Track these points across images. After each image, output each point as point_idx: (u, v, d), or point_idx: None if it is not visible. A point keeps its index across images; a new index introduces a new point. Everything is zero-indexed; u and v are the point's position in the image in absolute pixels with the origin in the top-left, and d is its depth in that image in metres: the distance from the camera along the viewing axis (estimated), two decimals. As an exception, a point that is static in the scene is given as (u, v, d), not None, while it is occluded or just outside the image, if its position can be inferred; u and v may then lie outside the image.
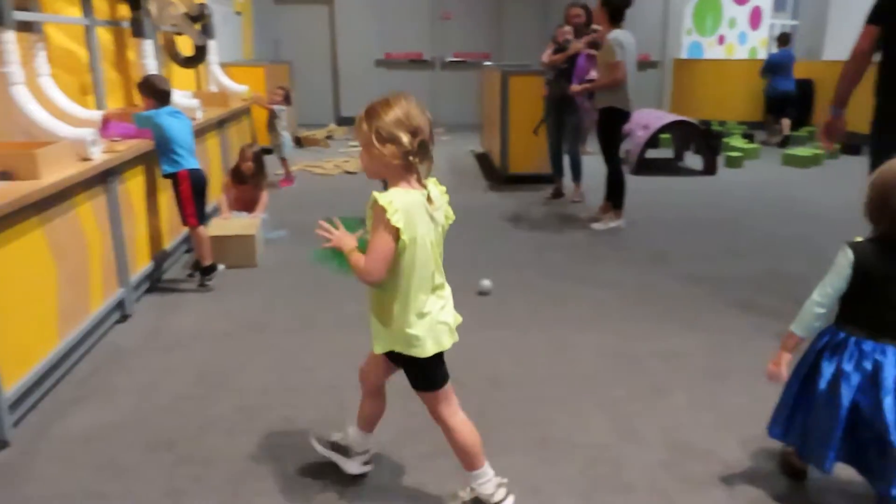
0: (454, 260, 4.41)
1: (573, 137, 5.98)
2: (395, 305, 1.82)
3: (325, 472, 2.19)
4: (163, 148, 3.66)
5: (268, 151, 7.38)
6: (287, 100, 6.71)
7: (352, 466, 2.16)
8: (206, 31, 5.74)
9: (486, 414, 2.54)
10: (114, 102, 4.54)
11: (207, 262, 3.85)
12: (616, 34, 4.89)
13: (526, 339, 3.23)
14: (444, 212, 1.87)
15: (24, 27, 3.20)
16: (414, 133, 1.73)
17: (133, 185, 3.58)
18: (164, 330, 3.31)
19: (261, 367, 2.92)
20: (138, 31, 4.58)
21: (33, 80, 3.33)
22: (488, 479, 1.97)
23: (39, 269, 2.62)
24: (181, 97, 4.79)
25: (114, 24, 4.65)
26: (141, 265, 3.66)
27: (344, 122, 11.26)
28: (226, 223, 4.41)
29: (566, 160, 6.11)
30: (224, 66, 6.72)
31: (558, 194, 6.22)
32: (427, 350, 1.84)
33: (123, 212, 3.37)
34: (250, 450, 2.31)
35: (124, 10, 4.80)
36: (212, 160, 5.25)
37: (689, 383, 2.80)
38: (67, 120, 3.29)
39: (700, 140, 7.72)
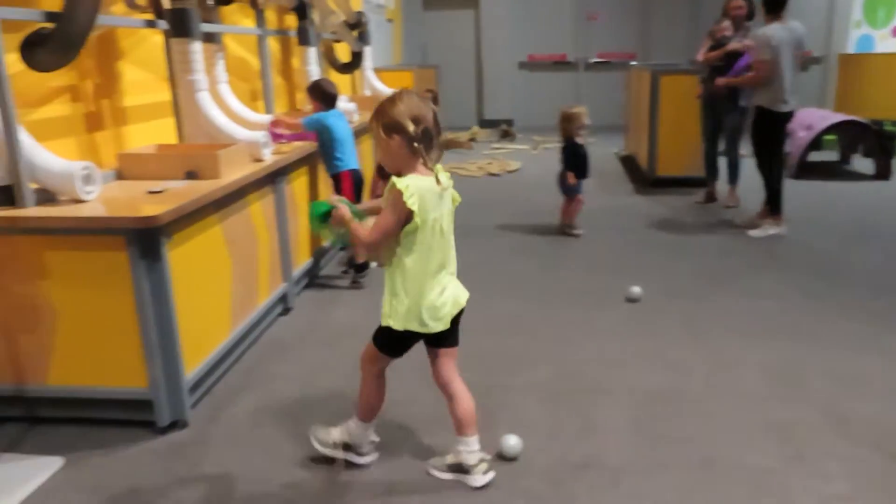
0: (600, 265, 4.36)
1: (732, 138, 5.66)
2: (413, 285, 1.97)
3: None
4: (328, 149, 3.85)
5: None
6: (435, 102, 6.84)
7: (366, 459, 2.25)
8: (363, 38, 5.99)
9: (641, 428, 2.44)
10: (280, 107, 4.84)
11: (361, 260, 4.00)
12: (767, 29, 4.60)
13: (680, 350, 3.08)
14: (450, 194, 2.04)
15: (208, 38, 3.47)
16: (416, 121, 1.88)
17: (297, 185, 3.79)
18: (322, 324, 3.48)
19: (409, 367, 2.98)
20: (304, 39, 4.85)
21: (213, 86, 3.61)
22: (361, 433, 2.20)
23: (218, 263, 2.83)
24: (340, 101, 5.01)
25: (282, 33, 4.96)
26: (302, 261, 3.87)
27: (487, 124, 11.35)
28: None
29: (722, 163, 5.80)
30: (376, 70, 6.97)
31: (711, 198, 5.91)
32: (425, 327, 2.01)
33: (289, 210, 3.58)
34: (398, 446, 2.36)
35: (291, 21, 5.11)
36: (366, 161, 5.46)
37: (869, 409, 2.55)
38: (242, 123, 3.54)
39: (871, 141, 7.05)
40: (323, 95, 3.88)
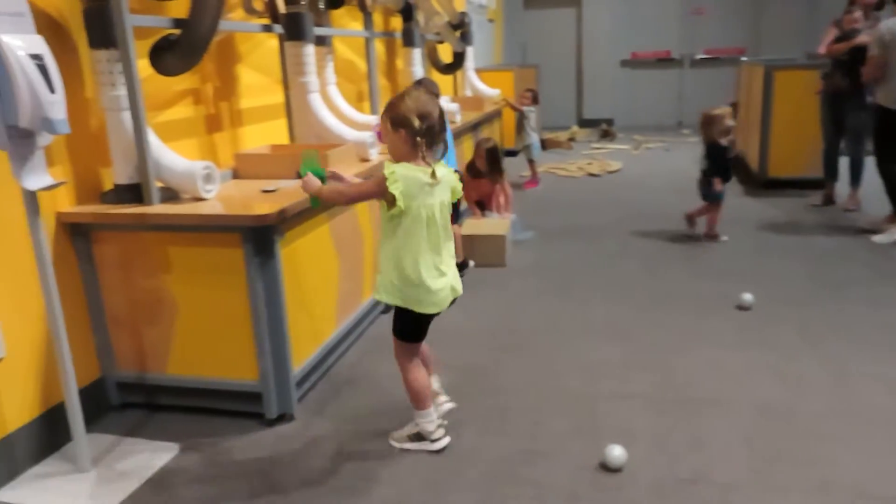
0: (708, 269, 4.18)
1: (856, 137, 5.29)
2: (389, 262, 2.12)
3: (580, 481, 2.14)
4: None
5: (512, 154, 7.57)
6: (535, 100, 6.76)
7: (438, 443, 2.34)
8: (465, 39, 6.01)
9: (755, 445, 2.31)
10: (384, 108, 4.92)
11: (459, 259, 4.00)
12: (885, 23, 4.30)
13: (798, 363, 2.90)
14: (450, 189, 2.15)
15: (319, 41, 3.57)
16: (422, 118, 2.01)
17: (399, 185, 3.83)
18: (422, 322, 3.51)
19: (512, 368, 2.96)
20: (409, 40, 4.92)
21: (323, 88, 3.71)
22: (431, 420, 2.31)
23: (326, 260, 2.90)
24: (442, 102, 5.05)
25: (388, 35, 5.04)
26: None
27: (586, 124, 11.15)
28: (478, 223, 4.57)
29: (843, 163, 5.43)
30: (478, 71, 6.98)
31: (829, 201, 5.55)
32: (412, 307, 2.14)
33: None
34: (501, 451, 2.33)
35: (396, 23, 5.19)
36: (467, 161, 5.47)
37: None
38: (349, 124, 3.62)
39: None
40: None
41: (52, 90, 1.86)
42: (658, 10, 11.12)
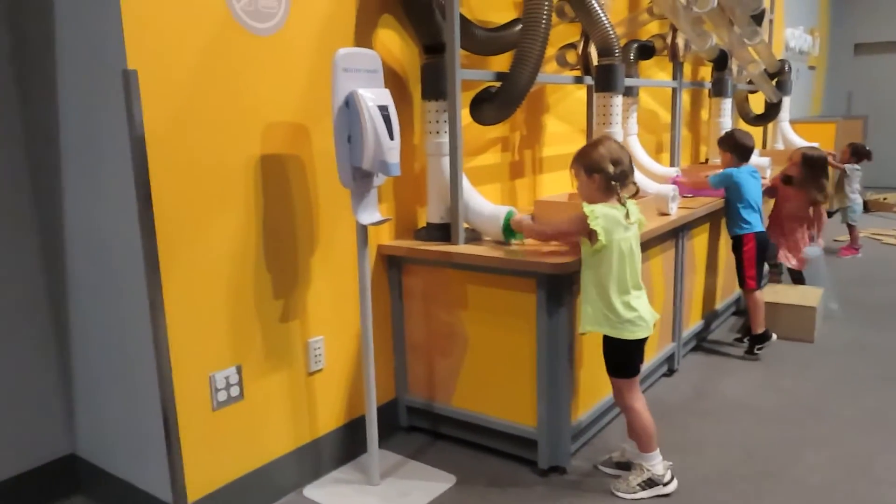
0: None
1: None
2: (596, 294, 2.26)
3: None
4: (734, 208, 3.60)
5: (828, 214, 6.73)
6: (862, 157, 5.95)
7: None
8: (782, 88, 5.53)
9: None
10: (684, 160, 4.72)
11: (760, 330, 3.63)
12: None
13: None
14: (638, 223, 2.31)
15: (626, 92, 3.55)
16: (615, 164, 2.22)
17: (698, 242, 3.61)
18: (709, 392, 3.23)
19: (819, 462, 2.57)
20: (719, 90, 4.66)
21: (625, 138, 3.66)
22: (659, 461, 2.37)
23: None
24: (753, 157, 4.68)
25: (697, 85, 4.85)
26: (693, 322, 3.67)
27: (924, 185, 9.53)
28: (783, 290, 4.11)
29: None
30: (792, 122, 6.37)
31: None
32: (623, 335, 2.26)
33: (687, 267, 3.43)
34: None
35: (704, 71, 4.97)
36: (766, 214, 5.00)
37: None
38: (647, 175, 3.52)
39: None
40: (736, 147, 3.64)
41: (391, 137, 2.08)
42: None
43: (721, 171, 3.64)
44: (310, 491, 2.44)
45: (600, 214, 2.19)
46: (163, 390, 2.01)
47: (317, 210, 2.40)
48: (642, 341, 2.32)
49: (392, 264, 2.70)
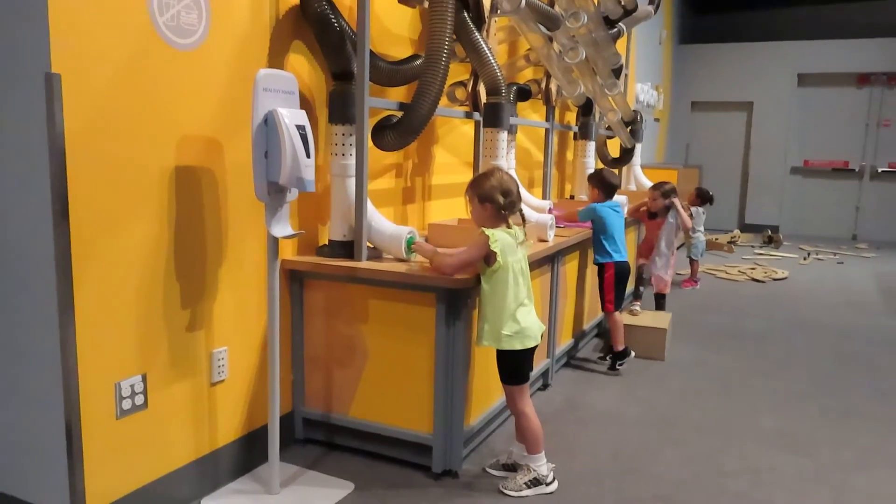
0: (892, 387, 3.86)
1: None
2: (493, 311, 2.49)
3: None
4: (598, 239, 4.01)
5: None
6: (710, 201, 6.78)
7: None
8: (635, 135, 6.17)
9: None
10: (552, 195, 5.14)
11: (620, 348, 4.04)
12: None
13: None
14: (525, 246, 2.57)
15: (510, 129, 3.87)
16: (505, 195, 2.47)
17: (569, 268, 3.98)
18: (580, 403, 3.55)
19: (675, 460, 2.93)
20: (585, 133, 5.16)
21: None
22: (544, 463, 2.62)
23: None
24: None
25: (566, 127, 5.32)
26: (564, 340, 4.01)
27: (749, 229, 10.82)
28: (638, 315, 4.57)
29: None
30: (642, 167, 7.08)
31: None
32: (515, 346, 2.50)
33: (560, 290, 3.76)
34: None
35: (570, 116, 5.47)
36: (630, 250, 5.52)
37: None
38: (527, 206, 3.84)
39: None
40: (603, 184, 4.06)
41: (308, 155, 2.20)
42: (837, 119, 10.76)
43: (588, 205, 4.05)
44: (208, 502, 2.44)
45: (499, 238, 2.44)
46: (67, 398, 1.98)
47: (226, 222, 2.46)
48: (531, 350, 2.57)
49: (294, 279, 2.79)
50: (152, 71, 2.13)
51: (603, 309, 4.12)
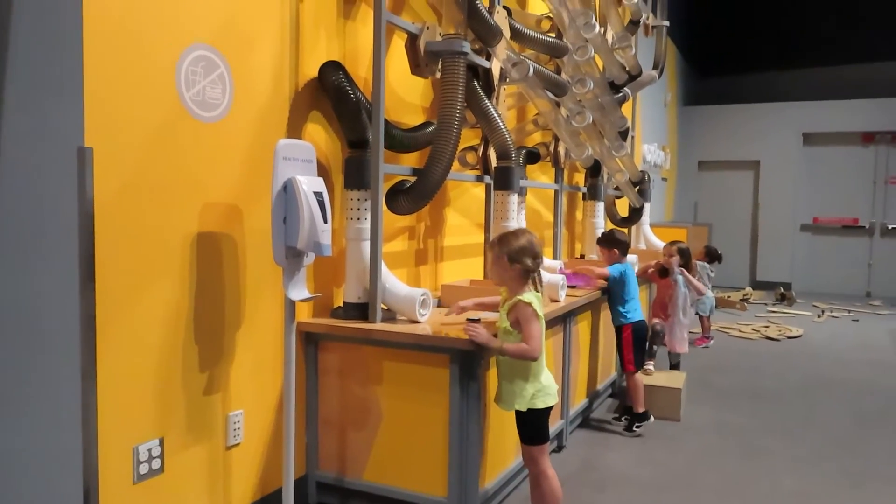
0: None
1: None
2: (519, 372, 2.52)
3: None
4: (618, 299, 4.03)
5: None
6: (719, 259, 6.83)
7: None
8: (643, 195, 6.25)
9: None
10: (563, 254, 5.20)
11: (640, 409, 4.00)
12: None
13: None
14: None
15: (520, 192, 3.96)
16: (534, 258, 2.53)
17: (581, 328, 3.99)
18: (596, 466, 3.51)
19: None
20: (593, 194, 5.24)
21: (517, 233, 4.04)
22: None
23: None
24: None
25: (575, 188, 5.42)
26: (578, 401, 3.99)
27: (760, 286, 10.79)
28: (653, 375, 4.54)
29: None
30: (651, 226, 7.15)
31: None
32: (538, 405, 2.53)
33: (573, 350, 3.77)
34: None
35: (578, 178, 5.57)
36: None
37: None
38: (538, 267, 3.88)
39: None
40: (619, 244, 4.11)
41: (325, 221, 2.27)
42: (844, 176, 10.84)
43: (616, 264, 4.08)
44: (222, 569, 2.42)
45: (534, 299, 2.49)
46: (87, 463, 2.00)
47: (244, 286, 2.52)
48: (550, 409, 2.59)
49: (310, 341, 2.82)
50: (178, 142, 2.23)
51: (624, 370, 4.09)
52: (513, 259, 2.52)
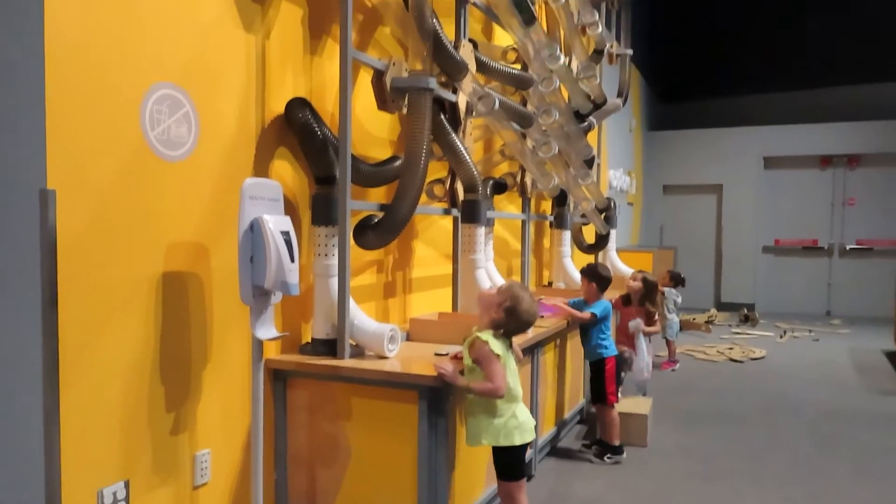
0: (874, 470, 3.86)
1: None
2: (491, 410, 2.61)
3: None
4: (598, 335, 4.08)
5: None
6: (682, 283, 6.95)
7: None
8: (609, 221, 6.35)
9: None
10: (531, 283, 5.25)
11: (616, 442, 4.03)
12: None
13: None
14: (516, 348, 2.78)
15: (487, 223, 4.01)
16: (529, 317, 2.69)
17: (549, 358, 4.03)
18: (565, 495, 3.53)
19: None
20: (560, 223, 5.32)
21: (486, 263, 4.08)
22: None
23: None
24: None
25: (542, 217, 5.49)
26: (547, 430, 4.01)
27: (725, 307, 10.99)
28: (620, 401, 4.59)
29: None
30: (618, 251, 7.26)
31: None
32: (515, 441, 2.60)
33: (540, 379, 3.80)
34: None
35: (546, 206, 5.65)
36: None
37: None
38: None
39: None
40: (600, 279, 4.13)
41: (292, 260, 2.29)
42: (804, 199, 11.16)
43: (599, 302, 4.12)
44: None
45: (489, 338, 2.59)
46: (48, 509, 1.96)
47: (211, 324, 2.51)
48: (527, 445, 2.66)
49: (278, 378, 2.81)
50: (143, 182, 2.22)
51: (606, 402, 4.06)
52: (507, 312, 2.64)
